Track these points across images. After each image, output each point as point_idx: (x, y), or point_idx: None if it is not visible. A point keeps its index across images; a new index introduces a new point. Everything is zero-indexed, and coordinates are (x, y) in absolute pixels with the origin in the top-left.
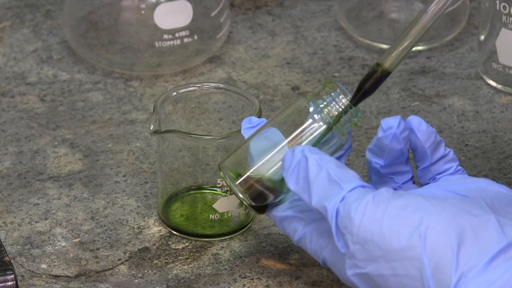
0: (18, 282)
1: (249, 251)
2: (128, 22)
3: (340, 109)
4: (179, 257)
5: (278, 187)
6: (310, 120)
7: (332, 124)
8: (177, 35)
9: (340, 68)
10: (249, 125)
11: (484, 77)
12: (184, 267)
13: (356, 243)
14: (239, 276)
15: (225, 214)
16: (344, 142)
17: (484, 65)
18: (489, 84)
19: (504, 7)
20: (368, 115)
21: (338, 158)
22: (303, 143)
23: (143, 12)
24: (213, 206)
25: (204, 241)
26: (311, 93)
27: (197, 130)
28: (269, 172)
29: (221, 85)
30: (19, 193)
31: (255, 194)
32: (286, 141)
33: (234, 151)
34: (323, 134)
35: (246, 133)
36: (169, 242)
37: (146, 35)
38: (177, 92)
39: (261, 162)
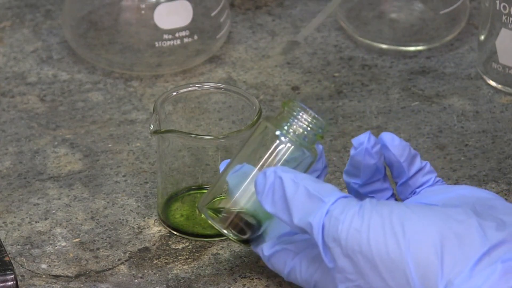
0: (18, 282)
1: (249, 251)
2: (128, 22)
3: (304, 125)
4: (179, 257)
5: (258, 215)
6: (277, 142)
7: (298, 141)
8: (177, 35)
9: (340, 68)
10: None
11: (484, 77)
12: (184, 267)
13: (346, 256)
14: (239, 276)
15: None
16: (314, 158)
17: (484, 65)
18: (489, 84)
19: (504, 7)
20: (368, 115)
21: None
22: None
23: (143, 12)
24: None
25: (204, 241)
26: (273, 116)
27: (197, 130)
28: (247, 202)
29: (221, 85)
30: (19, 193)
31: (239, 227)
32: (256, 169)
33: (209, 190)
34: (292, 154)
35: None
36: (169, 242)
37: (146, 35)
38: (177, 92)
39: (236, 195)
